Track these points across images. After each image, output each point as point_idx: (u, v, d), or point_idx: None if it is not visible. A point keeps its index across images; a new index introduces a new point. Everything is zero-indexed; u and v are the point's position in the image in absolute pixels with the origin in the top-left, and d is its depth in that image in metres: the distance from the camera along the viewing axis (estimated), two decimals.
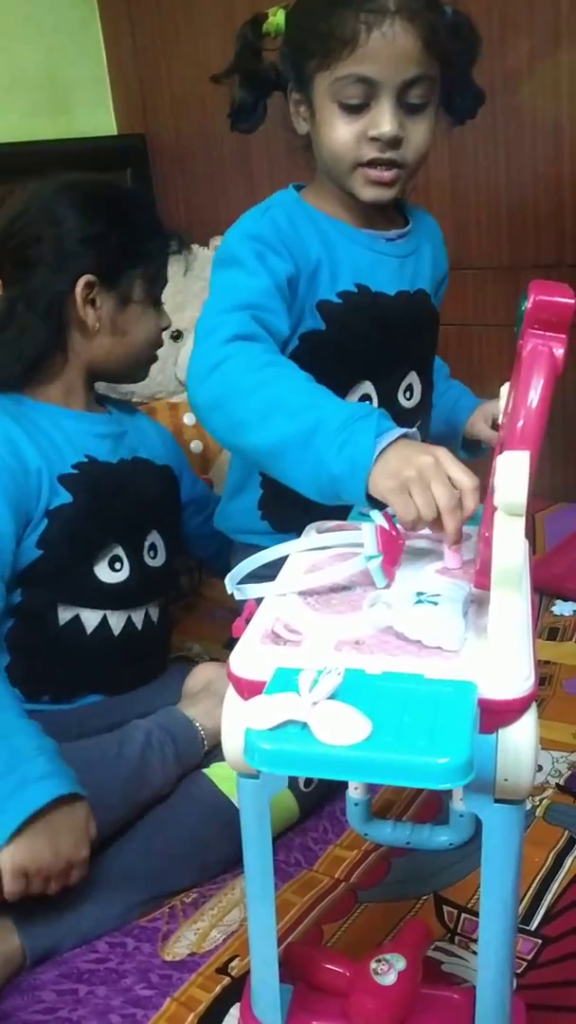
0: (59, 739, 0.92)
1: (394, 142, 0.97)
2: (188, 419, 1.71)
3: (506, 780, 0.59)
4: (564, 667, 1.31)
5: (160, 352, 1.23)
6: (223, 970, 0.86)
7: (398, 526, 0.76)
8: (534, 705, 0.59)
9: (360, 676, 0.58)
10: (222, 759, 1.02)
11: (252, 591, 0.71)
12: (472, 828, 0.93)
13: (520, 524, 0.56)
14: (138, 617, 1.13)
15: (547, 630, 1.41)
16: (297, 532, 0.84)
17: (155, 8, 2.07)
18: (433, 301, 1.17)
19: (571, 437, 1.79)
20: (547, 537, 1.64)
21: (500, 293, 1.83)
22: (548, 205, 1.75)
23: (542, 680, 1.27)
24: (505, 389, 0.72)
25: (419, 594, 0.68)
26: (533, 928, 0.88)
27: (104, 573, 1.09)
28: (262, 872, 0.67)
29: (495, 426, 1.16)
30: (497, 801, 0.60)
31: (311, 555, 0.78)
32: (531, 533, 1.62)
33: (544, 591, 1.49)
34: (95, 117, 2.15)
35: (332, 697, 0.55)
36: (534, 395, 0.59)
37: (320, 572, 0.73)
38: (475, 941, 0.84)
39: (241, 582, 0.72)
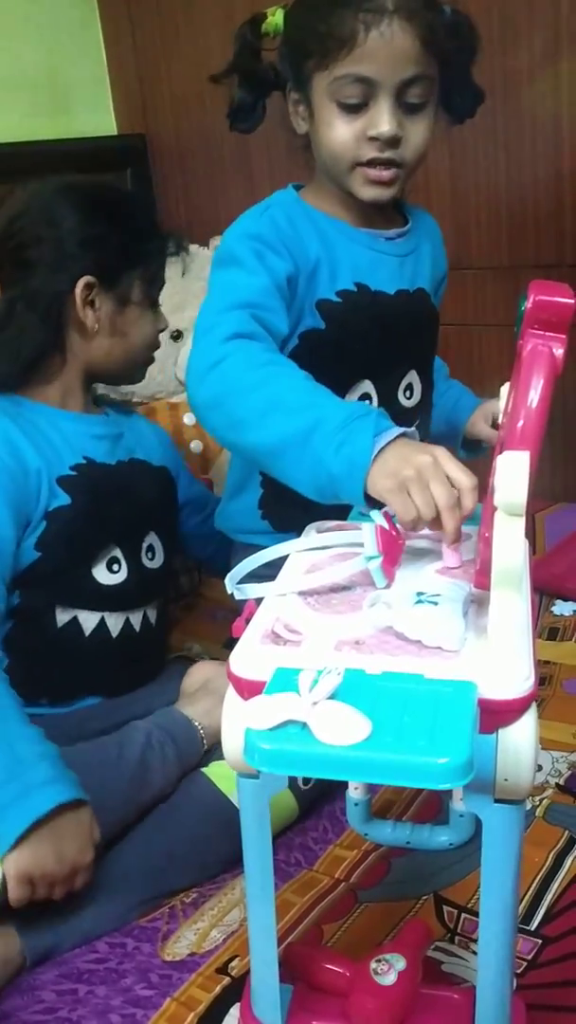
0: (58, 742, 0.92)
1: (393, 141, 0.97)
2: (188, 419, 1.71)
3: (506, 780, 0.59)
4: (564, 667, 1.31)
5: (160, 352, 1.23)
6: (223, 970, 0.86)
7: (398, 526, 0.76)
8: (534, 705, 0.59)
9: (360, 676, 0.58)
10: (221, 758, 1.03)
11: (252, 591, 0.71)
12: (472, 828, 0.94)
13: (520, 524, 0.56)
14: (136, 619, 1.13)
15: (547, 630, 1.41)
16: (297, 532, 0.84)
17: (155, 8, 2.07)
18: (433, 300, 1.17)
19: (571, 437, 1.79)
20: (547, 537, 1.64)
21: (500, 293, 1.82)
22: (548, 205, 1.75)
23: (542, 680, 1.27)
24: (505, 389, 0.72)
25: (419, 594, 0.68)
26: (533, 928, 0.88)
27: (102, 575, 1.09)
28: (262, 872, 0.67)
29: (495, 425, 1.16)
30: (497, 801, 0.60)
31: (311, 555, 0.78)
32: (531, 533, 1.62)
33: (544, 591, 1.49)
34: (95, 117, 2.15)
35: (332, 697, 0.55)
36: (534, 395, 0.59)
37: (320, 572, 0.73)
38: (475, 941, 0.84)
39: (241, 582, 0.72)
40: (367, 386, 1.08)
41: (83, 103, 2.11)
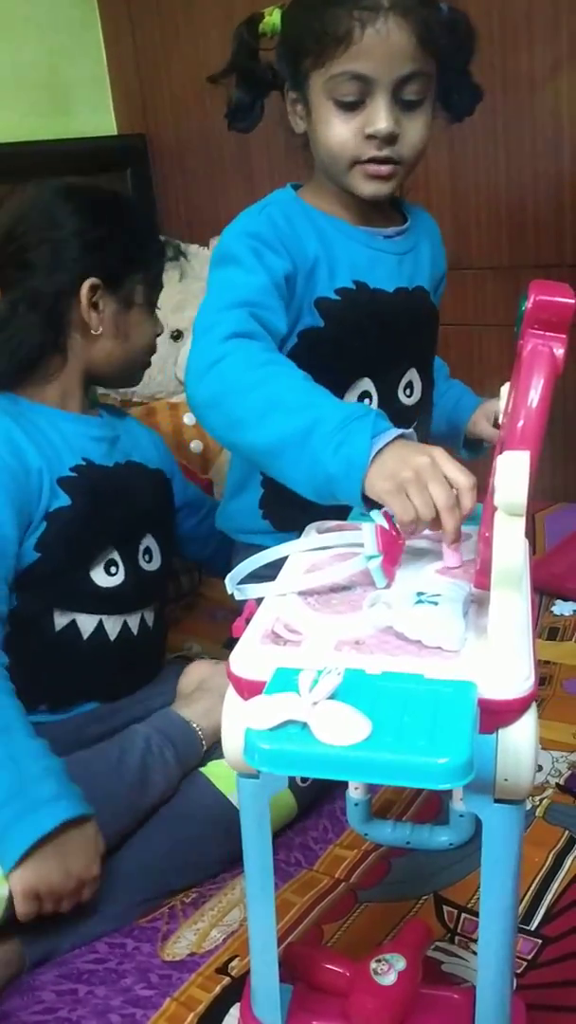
0: (58, 749, 0.92)
1: (390, 139, 0.97)
2: (188, 419, 1.71)
3: (506, 780, 0.59)
4: (564, 667, 1.31)
5: (160, 352, 1.24)
6: (223, 970, 0.86)
7: (397, 526, 0.76)
8: (534, 705, 0.59)
9: (360, 676, 0.58)
10: (219, 757, 1.03)
11: (252, 591, 0.71)
12: (472, 828, 0.93)
13: (520, 524, 0.56)
14: (134, 622, 1.13)
15: (547, 630, 1.41)
16: (298, 532, 0.84)
17: (155, 8, 2.07)
18: (432, 299, 1.17)
19: (571, 437, 1.79)
20: (547, 537, 1.64)
21: (500, 293, 1.83)
22: (548, 205, 1.75)
23: (542, 680, 1.27)
24: (505, 389, 0.72)
25: (419, 594, 0.68)
26: (533, 928, 0.88)
27: (100, 577, 1.09)
28: (262, 872, 0.67)
29: (497, 425, 1.16)
30: (497, 801, 0.60)
31: (311, 555, 0.78)
32: (531, 533, 1.62)
33: (544, 591, 1.49)
34: (95, 117, 2.15)
35: (332, 697, 0.55)
36: (534, 395, 0.59)
37: (320, 572, 0.73)
38: (475, 941, 0.84)
39: (241, 582, 0.72)
40: (367, 384, 1.08)
41: (83, 103, 2.11)
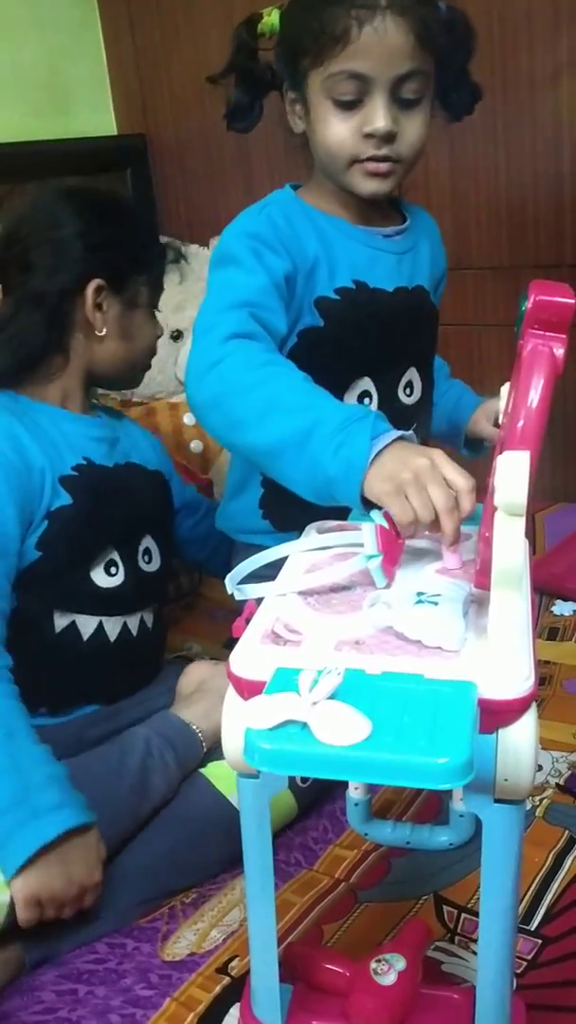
0: (59, 753, 0.92)
1: (388, 137, 0.97)
2: (188, 419, 1.71)
3: (506, 780, 0.59)
4: (564, 667, 1.31)
5: (160, 352, 1.24)
6: (223, 970, 0.86)
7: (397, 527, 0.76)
8: (534, 705, 0.59)
9: (360, 676, 0.58)
10: (219, 758, 1.03)
11: (252, 591, 0.71)
12: (472, 828, 0.94)
13: (520, 524, 0.56)
14: (133, 623, 1.13)
15: (547, 630, 1.41)
16: (298, 531, 0.84)
17: (155, 8, 2.07)
18: (432, 298, 1.17)
19: (571, 437, 1.79)
20: (547, 537, 1.64)
21: (500, 293, 1.82)
22: (548, 205, 1.75)
23: (542, 680, 1.27)
24: (505, 389, 0.72)
25: (419, 594, 0.68)
26: (533, 928, 0.88)
27: (100, 578, 1.08)
28: (262, 872, 0.67)
29: (497, 424, 1.16)
30: (497, 801, 0.60)
31: (311, 555, 0.78)
32: (531, 533, 1.62)
33: (544, 591, 1.49)
34: (95, 117, 2.15)
35: (332, 697, 0.55)
36: (534, 395, 0.59)
37: (320, 572, 0.73)
38: (475, 941, 0.84)
39: (241, 582, 0.72)
40: (367, 383, 1.08)
41: (83, 103, 2.11)
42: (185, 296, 1.76)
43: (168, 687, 1.15)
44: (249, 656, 0.63)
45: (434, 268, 1.18)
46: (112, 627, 1.10)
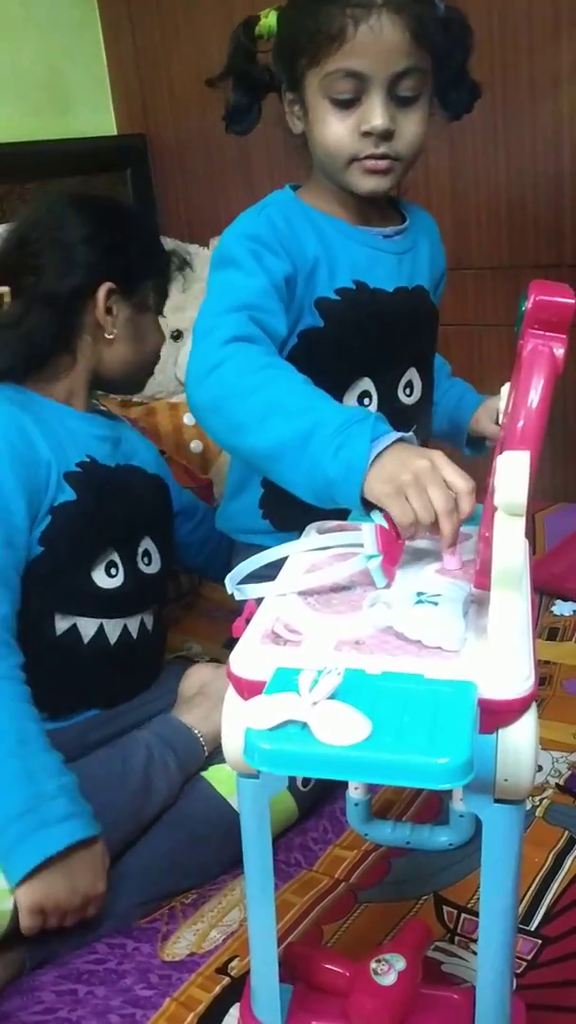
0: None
1: (386, 135, 0.97)
2: (188, 419, 1.71)
3: (506, 780, 0.59)
4: (564, 667, 1.31)
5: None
6: (223, 970, 0.86)
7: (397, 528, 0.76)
8: (534, 705, 0.59)
9: (360, 676, 0.58)
10: (220, 761, 1.03)
11: (252, 591, 0.71)
12: (472, 828, 0.93)
13: (520, 524, 0.56)
14: (133, 625, 1.12)
15: (547, 630, 1.41)
16: (298, 531, 0.84)
17: (155, 8, 2.07)
18: (432, 298, 1.17)
19: (571, 437, 1.79)
20: (547, 537, 1.64)
21: (500, 293, 1.83)
22: (548, 205, 1.75)
23: (542, 680, 1.27)
24: (505, 389, 0.72)
25: (419, 594, 0.68)
26: (533, 928, 0.88)
27: (101, 578, 1.08)
28: (262, 872, 0.67)
29: (499, 423, 1.16)
30: (497, 801, 0.60)
31: (311, 555, 0.78)
32: (531, 533, 1.62)
33: (544, 591, 1.49)
34: (95, 117, 2.15)
35: (332, 697, 0.55)
36: (534, 395, 0.59)
37: (320, 572, 0.73)
38: (475, 941, 0.84)
39: (241, 582, 0.72)
40: (367, 384, 1.08)
41: (83, 103, 2.11)
42: (185, 297, 1.76)
43: (168, 689, 1.15)
44: (249, 656, 0.63)
45: (434, 268, 1.18)
46: (112, 630, 1.10)
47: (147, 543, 1.16)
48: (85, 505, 1.06)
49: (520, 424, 0.59)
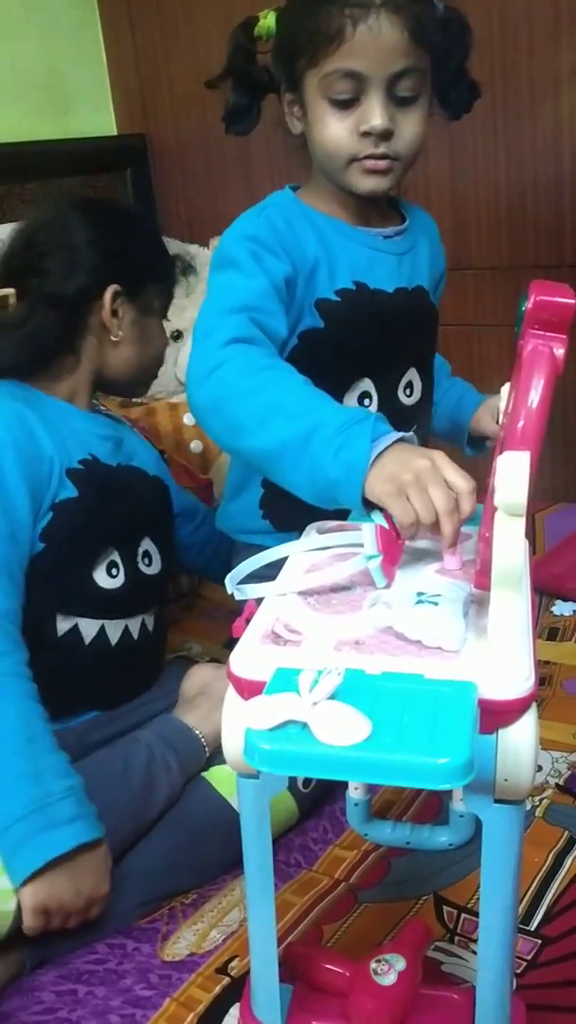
0: None
1: (385, 135, 0.97)
2: (188, 419, 1.71)
3: (506, 780, 0.59)
4: (564, 667, 1.31)
5: None
6: (223, 970, 0.86)
7: (398, 528, 0.76)
8: (534, 705, 0.59)
9: (360, 676, 0.58)
10: (221, 762, 1.03)
11: (252, 591, 0.71)
12: (472, 828, 0.94)
13: (520, 524, 0.56)
14: (134, 626, 1.12)
15: (547, 630, 1.41)
16: (298, 531, 0.84)
17: (155, 8, 2.07)
18: (432, 298, 1.17)
19: (571, 437, 1.79)
20: (547, 537, 1.64)
21: (500, 293, 1.83)
22: (548, 205, 1.75)
23: (542, 680, 1.27)
24: (505, 389, 0.72)
25: (419, 594, 0.68)
26: (533, 928, 0.88)
27: (102, 578, 1.08)
28: (262, 872, 0.67)
29: (499, 422, 1.16)
30: (497, 801, 0.60)
31: (311, 555, 0.78)
32: (531, 533, 1.62)
33: (544, 591, 1.49)
34: (95, 117, 2.15)
35: (332, 697, 0.55)
36: (534, 395, 0.59)
37: (320, 572, 0.73)
38: (475, 941, 0.84)
39: (241, 582, 0.72)
40: (367, 384, 1.08)
41: (83, 103, 2.12)
42: (185, 297, 1.76)
43: (169, 689, 1.15)
44: (249, 656, 0.63)
45: (433, 268, 1.18)
46: (113, 630, 1.10)
47: (147, 544, 1.16)
48: (87, 502, 1.06)
49: (520, 424, 0.59)
